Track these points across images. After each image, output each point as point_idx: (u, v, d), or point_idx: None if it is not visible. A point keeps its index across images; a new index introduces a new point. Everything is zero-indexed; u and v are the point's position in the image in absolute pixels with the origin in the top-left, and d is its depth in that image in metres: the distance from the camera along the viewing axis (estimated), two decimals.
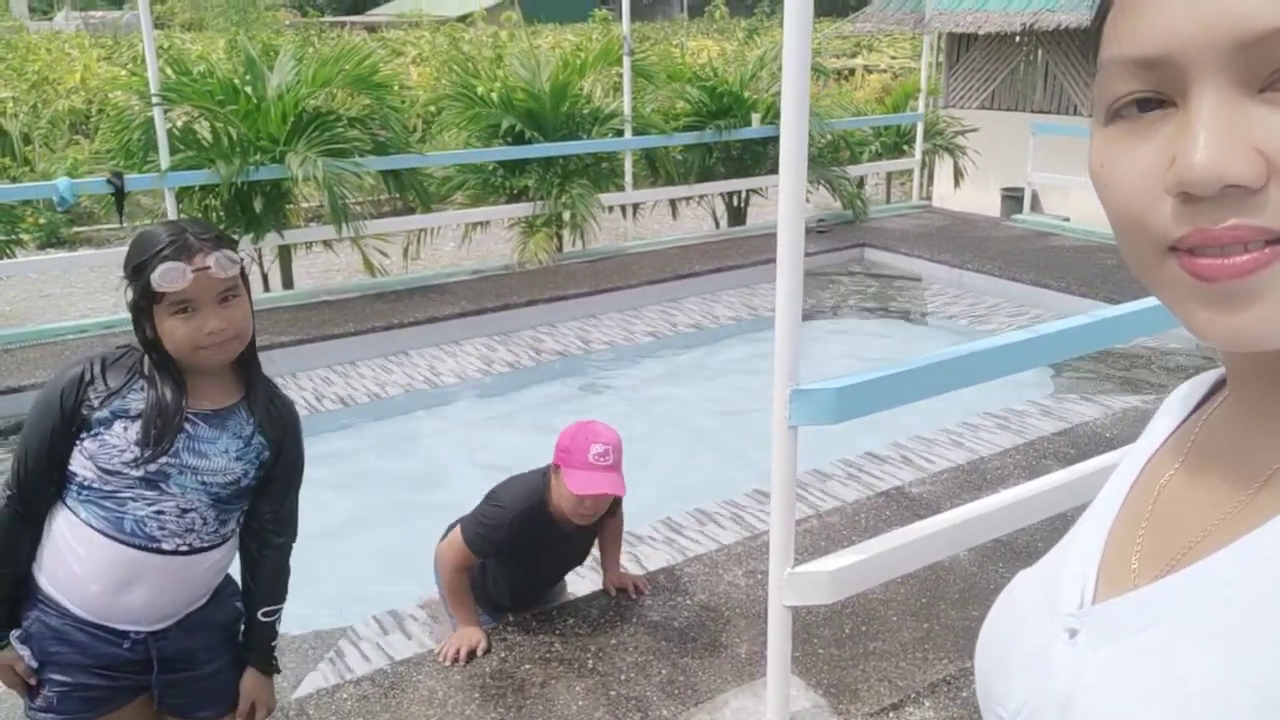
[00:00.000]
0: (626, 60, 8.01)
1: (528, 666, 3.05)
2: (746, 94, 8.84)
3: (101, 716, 2.00)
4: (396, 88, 7.75)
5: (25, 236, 8.67)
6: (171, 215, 6.54)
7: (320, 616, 3.74)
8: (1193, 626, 0.54)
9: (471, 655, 3.06)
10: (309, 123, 6.87)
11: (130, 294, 1.87)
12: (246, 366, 2.01)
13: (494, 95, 7.97)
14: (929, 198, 11.19)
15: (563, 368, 6.24)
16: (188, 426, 1.91)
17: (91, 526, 1.89)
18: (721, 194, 9.44)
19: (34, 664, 1.98)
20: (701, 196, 9.32)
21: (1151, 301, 2.72)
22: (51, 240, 10.16)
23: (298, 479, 2.13)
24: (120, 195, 6.42)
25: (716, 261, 7.79)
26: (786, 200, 2.16)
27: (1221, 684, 0.50)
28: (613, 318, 7.00)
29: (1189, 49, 0.49)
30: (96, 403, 1.87)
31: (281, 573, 2.16)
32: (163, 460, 1.88)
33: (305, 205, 8.64)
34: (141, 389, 1.90)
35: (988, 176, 10.80)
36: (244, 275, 1.95)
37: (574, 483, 2.78)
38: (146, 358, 1.92)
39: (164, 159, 6.44)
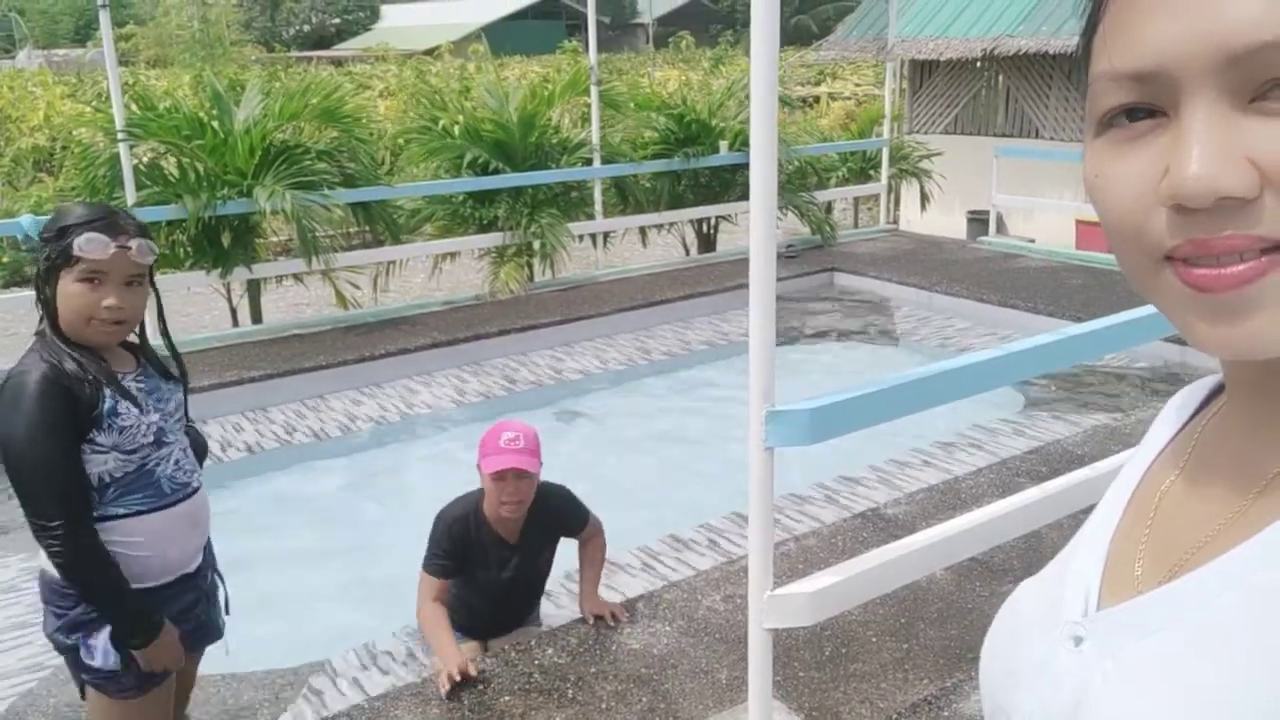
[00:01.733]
0: (594, 90, 8.06)
1: (507, 698, 3.01)
2: (714, 122, 8.92)
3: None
4: (364, 120, 7.74)
5: None
6: None
7: (295, 652, 3.69)
8: (1197, 632, 0.54)
9: (464, 676, 3.00)
10: (276, 156, 6.85)
11: (45, 253, 2.04)
12: (131, 344, 2.27)
13: (456, 129, 7.99)
14: (895, 222, 11.32)
15: (536, 397, 6.22)
16: (142, 384, 2.18)
17: (141, 513, 2.12)
18: (691, 221, 9.50)
19: (106, 662, 2.17)
20: (671, 224, 9.37)
21: (1118, 318, 2.75)
22: (15, 279, 10.04)
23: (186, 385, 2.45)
24: None
25: (688, 288, 7.81)
26: (758, 224, 2.18)
27: (1229, 691, 0.50)
28: (585, 346, 7.00)
29: (1180, 62, 0.49)
30: (94, 400, 2.04)
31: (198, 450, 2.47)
32: (156, 418, 2.16)
33: (274, 239, 8.59)
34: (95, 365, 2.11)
35: (953, 200, 10.96)
36: (152, 272, 2.18)
37: (488, 465, 3.02)
38: (59, 344, 2.06)
39: (130, 195, 6.39)
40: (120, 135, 6.30)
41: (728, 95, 9.36)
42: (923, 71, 12.03)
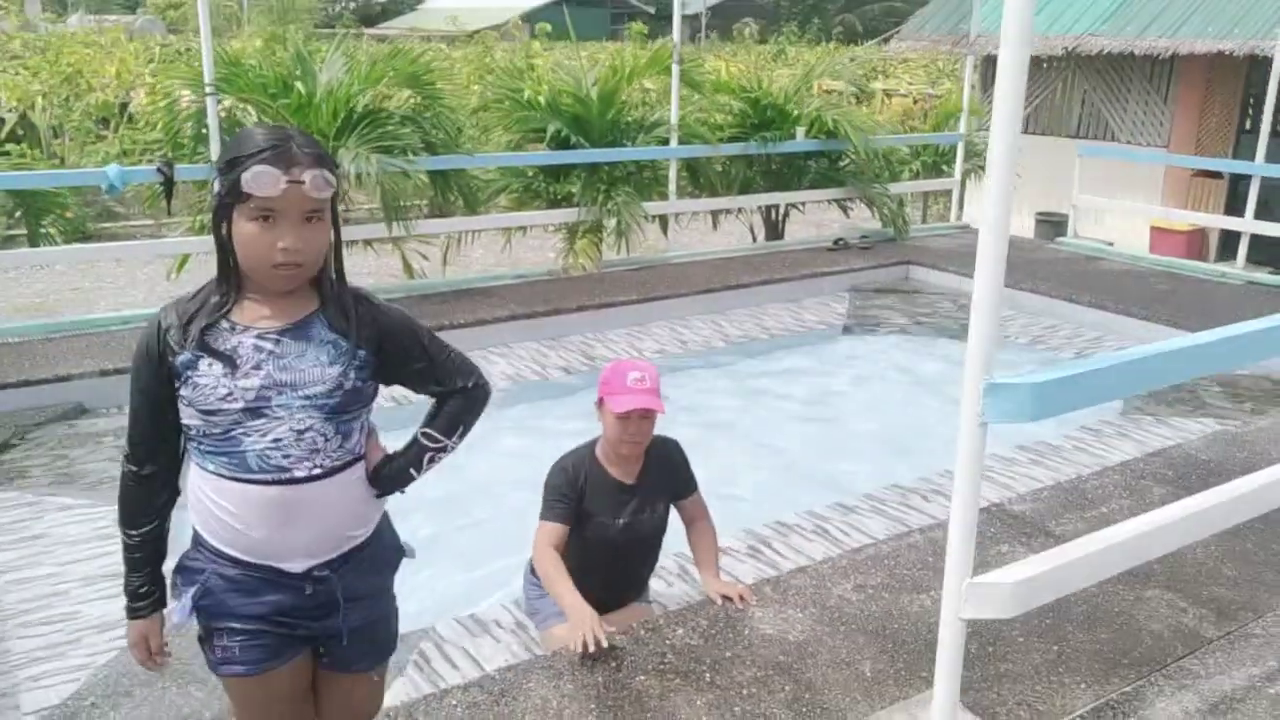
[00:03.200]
0: (675, 68, 7.89)
1: (642, 678, 2.88)
2: (790, 107, 8.74)
3: (280, 665, 2.00)
4: (448, 87, 7.62)
5: (52, 230, 8.49)
6: None
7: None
8: None
9: (599, 645, 2.86)
10: (360, 119, 6.73)
11: (216, 187, 1.82)
12: (318, 279, 1.91)
13: (540, 99, 7.85)
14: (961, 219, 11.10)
15: None
16: (269, 345, 1.84)
17: (222, 476, 1.86)
18: (759, 208, 9.33)
19: (179, 619, 1.97)
20: (739, 209, 9.20)
21: None
22: (77, 236, 9.98)
23: (429, 343, 2.06)
24: (169, 185, 6.23)
25: (763, 274, 7.65)
26: (994, 190, 2.02)
27: None
28: (661, 326, 6.86)
29: None
30: (177, 346, 1.83)
31: (462, 414, 2.10)
32: (256, 383, 1.82)
33: (349, 205, 8.46)
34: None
35: (1019, 200, 10.72)
36: (334, 201, 1.88)
37: (615, 404, 2.99)
38: (216, 285, 1.88)
39: (214, 149, 6.28)
40: (209, 89, 6.19)
41: (804, 82, 9.18)
42: (995, 69, 11.80)
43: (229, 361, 1.81)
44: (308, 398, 1.85)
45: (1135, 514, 3.96)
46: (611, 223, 7.51)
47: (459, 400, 2.09)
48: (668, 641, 3.05)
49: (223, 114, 6.76)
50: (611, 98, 7.93)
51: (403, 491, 2.07)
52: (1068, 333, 6.95)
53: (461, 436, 2.10)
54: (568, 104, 7.85)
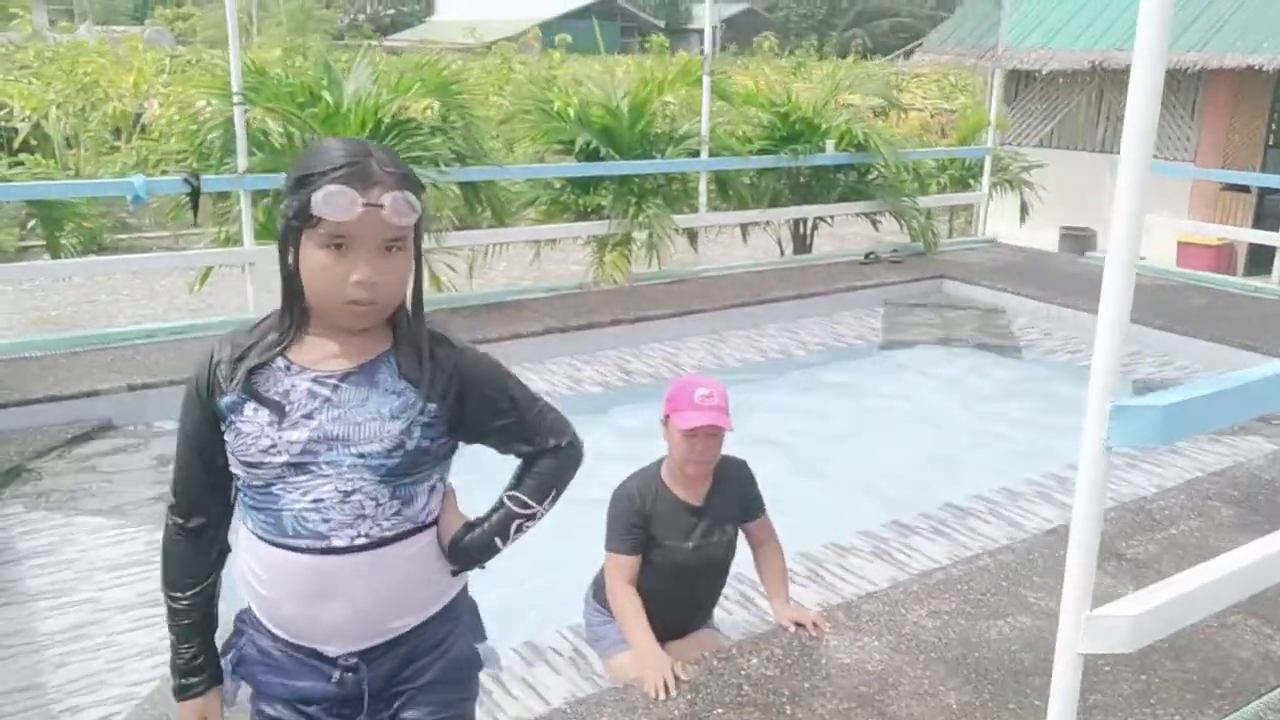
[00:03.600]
0: (706, 80, 7.80)
1: (719, 711, 2.74)
2: (818, 120, 8.64)
3: None
4: (478, 97, 7.53)
5: (71, 240, 8.39)
6: (246, 219, 6.28)
7: None
8: None
9: (667, 690, 2.75)
10: (389, 129, 6.63)
11: (285, 208, 1.55)
12: (393, 314, 1.63)
13: (570, 110, 7.75)
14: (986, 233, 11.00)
15: (654, 391, 5.94)
16: (325, 390, 1.57)
17: (259, 537, 1.63)
18: (787, 221, 9.23)
19: (230, 691, 1.77)
20: (767, 223, 9.10)
21: None
22: (93, 248, 9.88)
23: (519, 395, 1.74)
24: (196, 195, 6.16)
25: (796, 288, 7.54)
26: (1124, 203, 1.89)
27: None
28: (697, 341, 6.74)
29: None
30: (225, 385, 1.59)
31: (555, 476, 1.78)
32: (304, 436, 1.55)
33: None
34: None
35: (1042, 214, 10.63)
36: (418, 229, 1.60)
37: (683, 421, 2.88)
38: (279, 318, 1.62)
39: (242, 160, 6.18)
40: (236, 99, 6.09)
41: (832, 94, 9.09)
42: (1019, 82, 11.71)
43: (277, 409, 1.56)
44: (360, 455, 1.57)
45: (1207, 536, 3.87)
46: (643, 235, 7.40)
47: (550, 461, 1.79)
48: (743, 672, 2.92)
49: (252, 123, 6.68)
50: (642, 109, 7.83)
51: (483, 567, 1.77)
52: None
53: (553, 502, 1.81)
54: (598, 115, 7.75)
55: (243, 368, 1.58)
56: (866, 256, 8.54)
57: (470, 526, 1.73)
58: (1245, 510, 4.09)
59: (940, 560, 3.98)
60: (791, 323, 7.21)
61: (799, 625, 3.12)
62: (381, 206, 1.49)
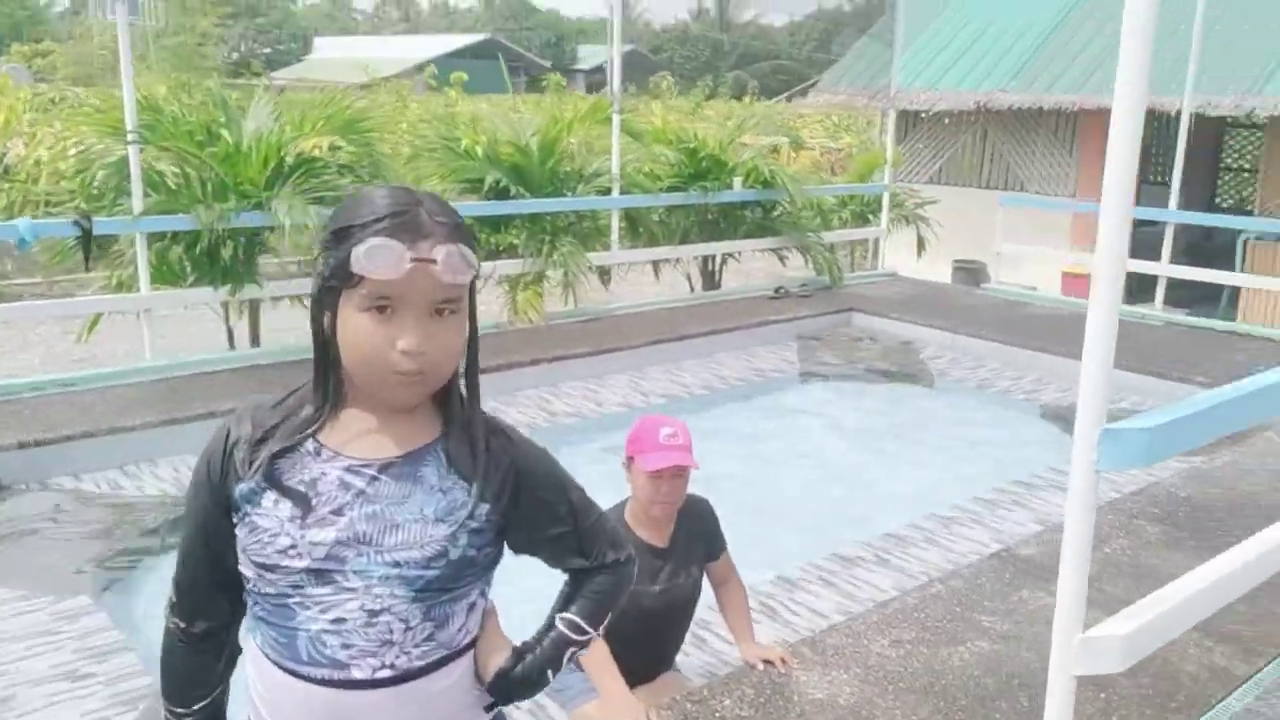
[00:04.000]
0: (616, 118, 7.82)
1: None
2: (725, 158, 8.76)
3: None
4: (388, 135, 7.37)
5: None
6: (142, 264, 5.97)
7: None
8: None
9: None
10: (294, 168, 6.43)
11: (320, 265, 1.33)
12: (445, 394, 1.41)
13: (479, 148, 7.67)
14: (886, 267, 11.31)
15: (578, 430, 5.87)
16: (360, 482, 1.34)
17: (267, 656, 1.38)
18: (696, 257, 9.30)
19: None
20: (677, 260, 9.15)
21: None
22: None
23: (578, 500, 1.52)
24: (88, 238, 5.83)
25: (712, 324, 7.57)
26: (1107, 232, 1.92)
27: None
28: (618, 378, 6.68)
29: None
30: (241, 469, 1.36)
31: (611, 596, 1.55)
32: (331, 536, 1.31)
33: (276, 259, 8.08)
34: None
35: (934, 248, 10.99)
36: (473, 289, 1.39)
37: (648, 463, 2.81)
38: (312, 391, 1.39)
39: (137, 202, 5.89)
40: (131, 137, 5.81)
41: (736, 133, 9.24)
42: (908, 122, 12.12)
43: (301, 501, 1.33)
44: (395, 564, 1.33)
45: (1138, 554, 3.98)
46: (558, 273, 7.33)
47: (607, 579, 1.55)
48: (717, 714, 2.85)
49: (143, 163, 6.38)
50: (552, 147, 7.80)
51: (519, 705, 1.56)
52: (1012, 375, 7.04)
53: (605, 626, 1.57)
54: (507, 154, 7.69)
55: (265, 450, 1.35)
56: (776, 291, 8.66)
57: (519, 654, 1.48)
58: (1169, 527, 4.24)
59: (886, 589, 4.00)
60: (709, 358, 7.23)
61: (767, 663, 3.07)
62: (433, 262, 1.28)
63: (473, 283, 1.37)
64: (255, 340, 7.05)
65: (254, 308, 7.03)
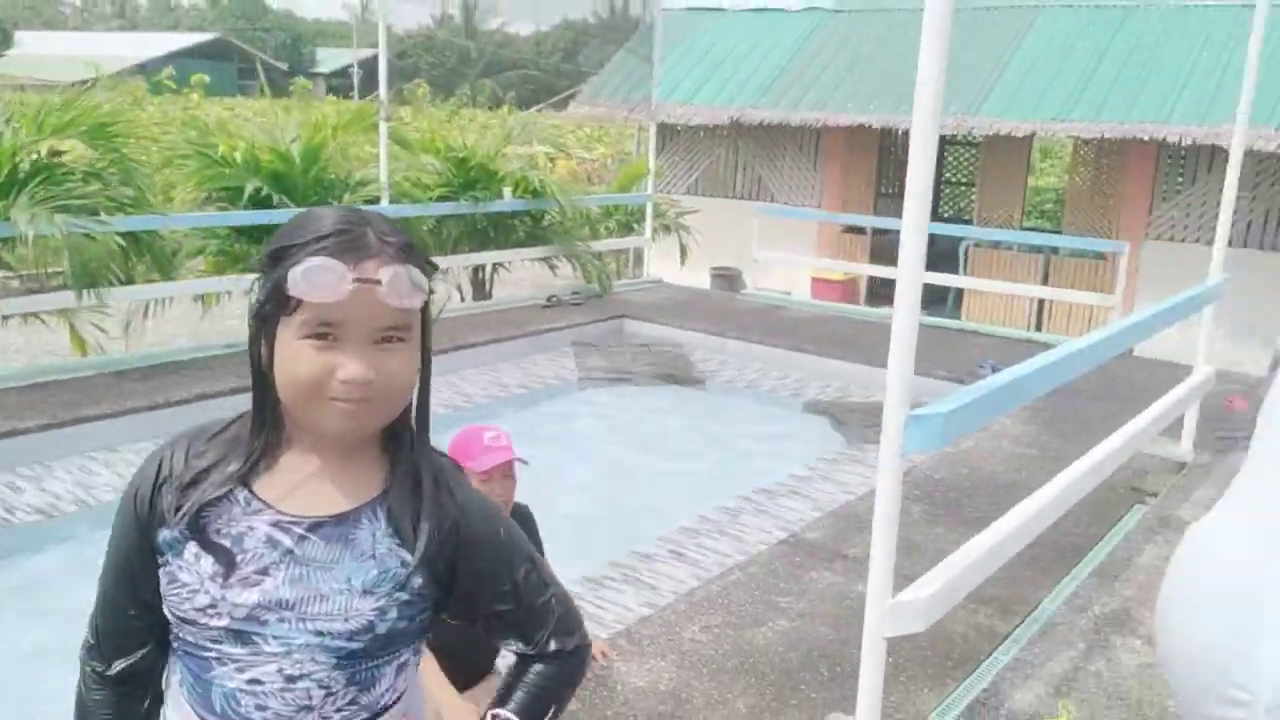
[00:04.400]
0: (383, 126, 7.69)
1: None
2: (494, 167, 8.80)
3: None
4: (141, 139, 6.88)
5: None
6: None
7: None
8: None
9: None
10: (31, 175, 5.90)
11: (255, 290, 1.23)
12: (395, 441, 1.31)
13: (236, 155, 7.32)
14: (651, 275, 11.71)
15: None
16: (289, 540, 1.24)
17: (183, 695, 1.30)
18: (466, 267, 9.28)
19: None
20: (448, 269, 9.09)
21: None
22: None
23: (524, 576, 1.37)
24: None
25: (490, 333, 7.59)
26: (908, 245, 2.18)
27: None
28: None
29: None
30: (168, 513, 1.25)
31: (554, 689, 1.42)
32: (254, 599, 1.22)
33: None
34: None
35: (694, 256, 11.51)
36: (426, 317, 1.27)
37: (480, 464, 2.88)
38: (249, 432, 1.27)
39: None
40: None
41: (505, 142, 9.31)
42: (665, 135, 12.61)
43: (226, 558, 1.23)
44: (318, 633, 1.24)
45: (909, 532, 4.38)
46: None
47: (551, 671, 1.41)
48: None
49: None
50: (316, 154, 7.57)
51: None
52: (777, 375, 7.52)
53: (555, 707, 1.43)
54: (268, 160, 7.38)
55: (192, 499, 1.24)
56: (549, 300, 8.79)
57: None
58: (930, 506, 4.70)
59: (686, 579, 4.20)
60: (490, 367, 7.26)
61: None
62: (377, 283, 1.18)
63: (426, 310, 1.26)
64: None
65: None
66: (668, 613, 3.57)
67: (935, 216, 13.47)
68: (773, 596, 3.71)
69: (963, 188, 14.34)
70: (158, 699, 1.39)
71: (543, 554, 3.21)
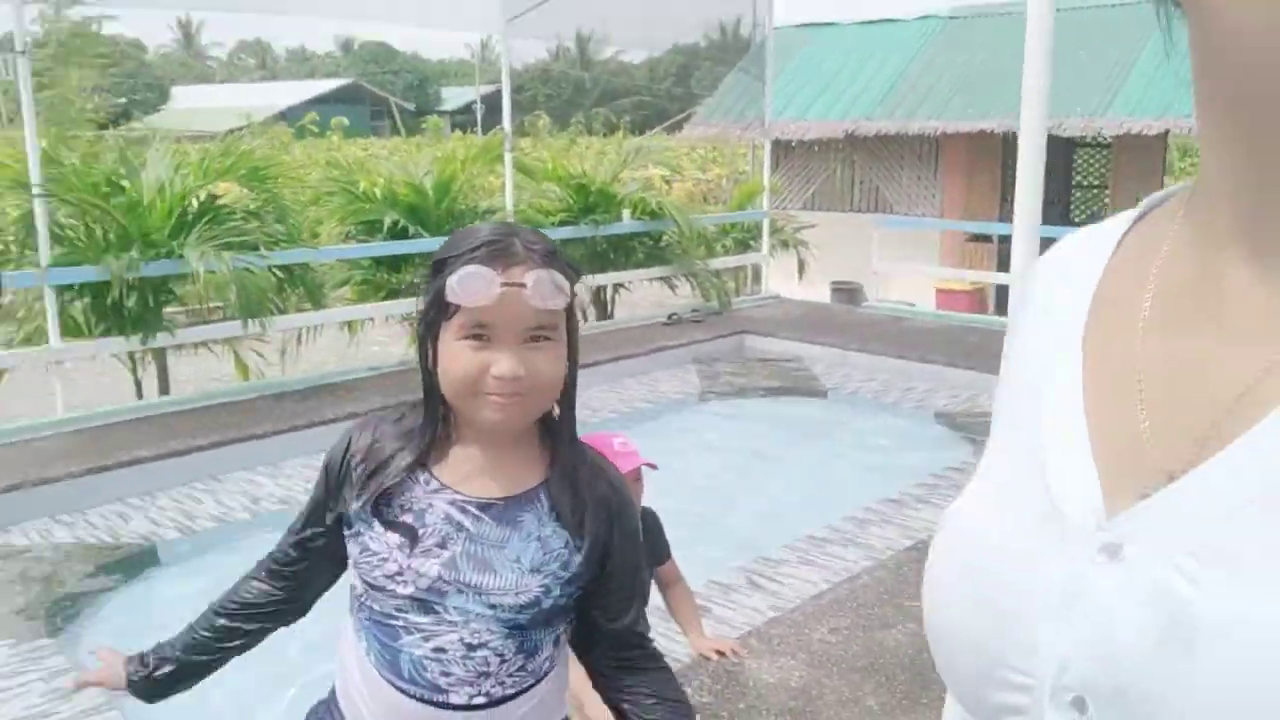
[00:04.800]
0: (508, 156, 8.07)
1: None
2: (613, 191, 9.10)
3: None
4: (292, 181, 7.44)
5: None
6: (52, 316, 5.90)
7: None
8: None
9: None
10: (199, 216, 6.45)
11: (421, 299, 1.41)
12: (552, 435, 1.47)
13: (376, 190, 7.80)
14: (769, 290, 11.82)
15: None
16: (466, 519, 1.40)
17: (371, 662, 1.45)
18: (589, 288, 9.58)
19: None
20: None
21: None
22: None
23: (640, 589, 1.57)
24: None
25: (612, 351, 7.84)
26: (1020, 250, 2.28)
27: None
28: None
29: None
30: (358, 488, 1.43)
31: (668, 692, 1.54)
32: (435, 570, 1.38)
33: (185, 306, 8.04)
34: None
35: (813, 271, 11.57)
36: (570, 317, 1.43)
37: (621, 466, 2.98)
38: (421, 425, 1.44)
39: (44, 254, 5.82)
40: (36, 190, 5.75)
41: (623, 167, 9.60)
42: (779, 151, 12.73)
43: (408, 533, 1.40)
44: (491, 606, 1.39)
45: None
46: None
47: (654, 677, 1.55)
48: None
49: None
50: (447, 186, 7.99)
51: None
52: (903, 386, 7.53)
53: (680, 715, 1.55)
54: (404, 194, 7.83)
55: (375, 484, 1.42)
56: (670, 318, 9.00)
57: None
58: None
59: (816, 582, 4.31)
60: (614, 384, 7.49)
61: (719, 654, 3.33)
62: (523, 286, 1.32)
63: (571, 312, 1.42)
64: (165, 389, 6.99)
65: (161, 358, 6.97)
66: (796, 614, 3.70)
67: (1067, 221, 13.25)
68: (901, 600, 3.80)
69: (1094, 190, 13.97)
70: (284, 620, 1.62)
71: (670, 556, 3.39)
